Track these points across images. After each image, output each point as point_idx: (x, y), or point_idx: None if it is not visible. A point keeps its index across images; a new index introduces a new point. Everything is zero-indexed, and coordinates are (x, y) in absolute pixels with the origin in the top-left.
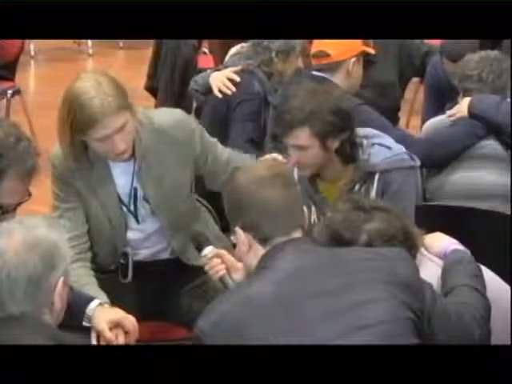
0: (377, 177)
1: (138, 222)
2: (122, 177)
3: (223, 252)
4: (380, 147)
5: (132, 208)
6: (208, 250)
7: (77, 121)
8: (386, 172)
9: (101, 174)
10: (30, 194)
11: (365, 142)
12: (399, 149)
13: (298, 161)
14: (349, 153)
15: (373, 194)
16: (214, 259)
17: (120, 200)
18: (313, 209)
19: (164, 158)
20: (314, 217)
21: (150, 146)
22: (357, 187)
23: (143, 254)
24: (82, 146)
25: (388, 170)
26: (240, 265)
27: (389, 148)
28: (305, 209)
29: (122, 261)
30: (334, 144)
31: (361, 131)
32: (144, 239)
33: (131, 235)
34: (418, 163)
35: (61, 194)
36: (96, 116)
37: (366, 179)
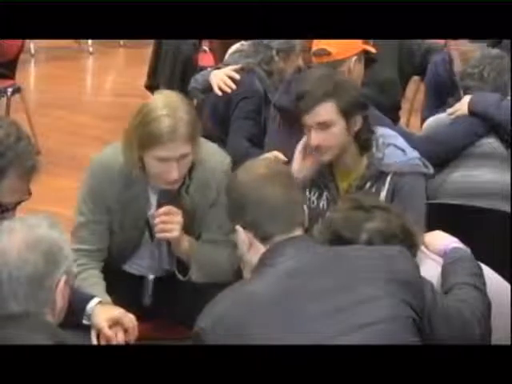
0: (389, 178)
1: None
2: (155, 201)
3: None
4: (395, 149)
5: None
6: None
7: (144, 134)
8: (398, 174)
9: (138, 196)
10: (29, 193)
11: (381, 140)
12: (414, 153)
13: (320, 143)
14: (366, 139)
15: (383, 194)
16: (171, 216)
17: (147, 223)
18: (324, 194)
19: (200, 200)
20: (323, 203)
21: (195, 184)
22: (368, 185)
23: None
24: (139, 163)
25: (400, 173)
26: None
27: (404, 151)
28: (316, 192)
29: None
30: (356, 125)
31: (379, 130)
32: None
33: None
34: (431, 171)
35: (91, 204)
36: (163, 135)
37: (377, 179)
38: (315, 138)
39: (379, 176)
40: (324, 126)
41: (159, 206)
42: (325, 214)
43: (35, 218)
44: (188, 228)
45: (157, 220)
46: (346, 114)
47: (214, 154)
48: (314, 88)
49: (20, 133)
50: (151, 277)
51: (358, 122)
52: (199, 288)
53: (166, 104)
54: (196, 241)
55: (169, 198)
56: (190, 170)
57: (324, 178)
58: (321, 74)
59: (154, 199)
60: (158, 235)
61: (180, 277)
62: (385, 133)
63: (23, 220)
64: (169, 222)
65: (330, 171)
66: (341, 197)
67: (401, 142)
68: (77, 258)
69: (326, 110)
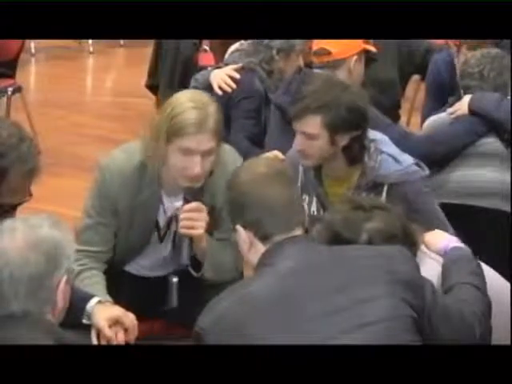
0: (385, 188)
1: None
2: (170, 204)
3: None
4: (388, 157)
5: (163, 233)
6: None
7: (172, 124)
8: (396, 185)
9: (149, 199)
10: (30, 194)
11: (372, 146)
12: (408, 159)
13: (303, 149)
14: (356, 154)
15: None
16: (199, 213)
17: (156, 225)
18: (314, 200)
19: (215, 199)
20: (313, 208)
21: (212, 183)
22: (363, 196)
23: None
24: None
25: (399, 183)
26: None
27: (397, 159)
28: (306, 198)
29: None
30: (343, 140)
31: (370, 135)
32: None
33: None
34: (427, 171)
35: (99, 207)
36: (191, 126)
37: (372, 189)
38: (299, 143)
39: (374, 186)
40: (308, 136)
41: (185, 201)
42: (316, 219)
43: (37, 217)
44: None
45: (184, 215)
46: (331, 130)
47: (227, 154)
48: (307, 99)
49: (22, 134)
50: (175, 279)
51: (344, 138)
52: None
53: (196, 99)
54: (211, 238)
55: (194, 194)
56: (215, 163)
57: (313, 183)
58: (320, 85)
59: (168, 201)
60: (184, 231)
61: (193, 273)
62: (376, 138)
63: (25, 220)
64: (195, 219)
65: (319, 177)
66: (331, 203)
67: (393, 148)
68: (79, 258)
69: (312, 123)
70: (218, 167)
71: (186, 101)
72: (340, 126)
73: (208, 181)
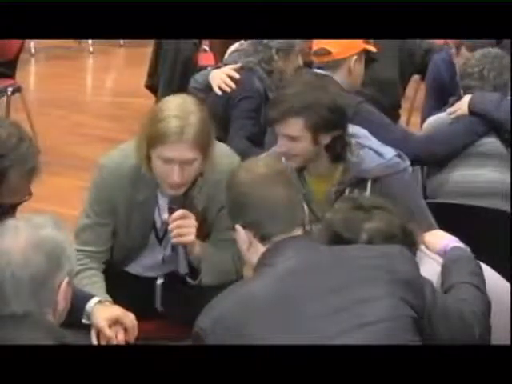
0: (369, 183)
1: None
2: (165, 204)
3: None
4: (370, 151)
5: (161, 233)
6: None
7: (152, 132)
8: (380, 179)
9: (146, 199)
10: (30, 194)
11: (353, 141)
12: (390, 153)
13: (286, 151)
14: (338, 151)
15: None
16: (186, 220)
17: (154, 225)
18: None
19: (210, 202)
20: None
21: (206, 186)
22: (347, 192)
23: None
24: (148, 162)
25: (382, 177)
26: None
27: (380, 153)
28: None
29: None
30: (325, 139)
31: (350, 130)
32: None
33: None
34: (408, 163)
35: (97, 208)
36: (169, 135)
37: (357, 184)
38: (282, 145)
39: (358, 182)
40: (291, 138)
41: (171, 211)
42: None
43: (40, 218)
44: (198, 230)
45: (172, 225)
46: (314, 131)
47: (223, 156)
48: (288, 102)
49: (22, 134)
50: (159, 281)
51: (326, 137)
52: (204, 289)
53: (179, 107)
54: (205, 243)
55: (179, 202)
56: (201, 171)
57: (296, 183)
58: (300, 87)
59: (163, 202)
60: (174, 240)
61: (190, 281)
62: (356, 133)
63: (28, 220)
64: (184, 226)
65: (302, 178)
66: (316, 203)
67: (374, 142)
68: (79, 258)
69: (294, 126)
70: (214, 170)
71: (169, 108)
72: (322, 127)
73: (203, 183)
